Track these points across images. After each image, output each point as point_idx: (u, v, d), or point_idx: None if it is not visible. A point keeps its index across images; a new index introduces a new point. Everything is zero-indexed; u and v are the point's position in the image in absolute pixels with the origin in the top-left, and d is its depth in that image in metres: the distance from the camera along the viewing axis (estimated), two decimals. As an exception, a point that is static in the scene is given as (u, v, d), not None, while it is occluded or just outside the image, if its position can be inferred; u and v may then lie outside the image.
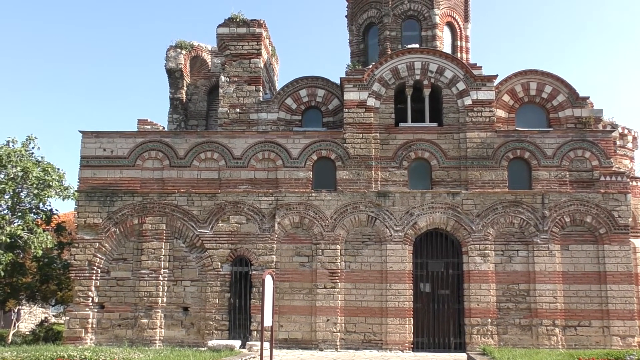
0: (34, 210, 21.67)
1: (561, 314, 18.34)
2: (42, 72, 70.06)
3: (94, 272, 18.94)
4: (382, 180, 19.39)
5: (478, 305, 18.45)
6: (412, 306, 18.62)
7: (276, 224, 19.06)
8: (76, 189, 20.07)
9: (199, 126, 23.90)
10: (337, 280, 18.67)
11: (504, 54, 62.32)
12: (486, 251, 18.74)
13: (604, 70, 62.86)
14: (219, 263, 18.98)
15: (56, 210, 23.08)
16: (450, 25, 24.01)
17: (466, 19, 24.54)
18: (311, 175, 19.49)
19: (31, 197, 21.26)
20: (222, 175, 19.52)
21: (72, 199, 21.74)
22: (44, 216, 22.09)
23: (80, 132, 19.83)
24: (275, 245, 19.00)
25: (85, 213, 19.27)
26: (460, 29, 24.22)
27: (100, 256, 19.04)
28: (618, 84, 61.52)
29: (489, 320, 18.37)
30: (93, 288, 18.88)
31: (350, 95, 19.87)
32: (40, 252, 20.76)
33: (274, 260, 18.91)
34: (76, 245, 19.19)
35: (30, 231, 20.46)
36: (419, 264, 19.14)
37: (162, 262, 19.00)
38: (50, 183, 21.04)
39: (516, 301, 18.57)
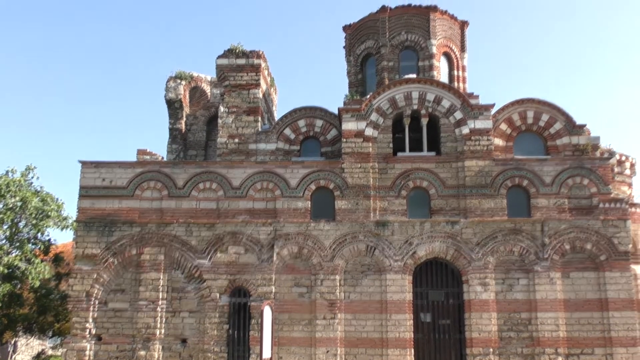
0: (32, 240, 21.62)
1: (564, 342, 18.15)
2: (42, 101, 70.61)
3: (92, 303, 18.78)
4: (381, 210, 19.37)
5: (479, 334, 18.26)
6: (412, 337, 18.42)
7: (275, 255, 18.98)
8: (75, 219, 20.04)
9: (198, 156, 23.99)
10: (337, 311, 18.51)
11: (500, 82, 62.88)
12: (486, 280, 18.63)
13: (601, 97, 63.41)
14: (218, 294, 18.84)
15: (54, 240, 23.05)
16: (447, 55, 24.31)
17: (462, 49, 24.86)
18: (310, 205, 19.47)
19: (29, 227, 21.25)
20: (221, 206, 19.49)
21: (70, 229, 21.71)
22: (42, 246, 22.04)
23: (80, 162, 19.88)
24: (274, 276, 18.88)
25: (84, 243, 19.19)
26: (457, 58, 24.50)
27: (98, 287, 18.90)
28: (615, 110, 61.97)
29: (491, 349, 18.16)
30: (90, 319, 18.70)
31: (348, 125, 19.97)
32: (38, 283, 20.66)
33: (273, 291, 18.77)
34: (74, 275, 19.07)
35: (28, 261, 20.39)
36: (419, 294, 19.00)
37: (160, 293, 18.84)
38: (49, 213, 21.05)
39: (518, 330, 18.40)
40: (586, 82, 64.82)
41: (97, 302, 18.89)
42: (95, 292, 18.86)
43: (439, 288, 19.12)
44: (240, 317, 18.92)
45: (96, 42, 71.52)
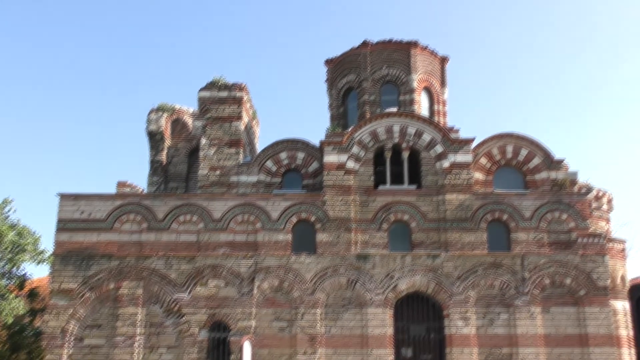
0: (6, 275, 21.12)
1: (545, 379, 18.06)
2: (20, 132, 69.91)
3: (67, 339, 18.33)
4: (362, 243, 19.33)
5: (461, 370, 18.12)
6: (394, 372, 18.23)
7: (255, 288, 18.78)
8: (51, 252, 19.67)
9: (179, 188, 23.82)
10: (318, 346, 18.28)
11: (480, 117, 63.76)
12: (467, 314, 18.58)
13: (579, 131, 64.51)
14: (197, 329, 18.53)
15: (30, 275, 22.55)
16: (427, 89, 24.61)
17: (443, 83, 25.20)
18: (291, 238, 19.39)
19: (4, 261, 20.78)
20: (201, 238, 19.33)
21: (46, 263, 21.27)
22: (16, 281, 21.54)
23: (58, 194, 19.64)
24: (254, 310, 18.65)
25: (60, 278, 18.83)
26: (437, 93, 24.81)
27: (73, 323, 18.49)
28: (592, 145, 63.02)
29: (472, 385, 18.01)
30: (65, 357, 18.21)
31: (330, 157, 20.04)
32: (11, 320, 20.10)
33: (253, 325, 18.52)
34: (49, 311, 18.64)
35: (2, 297, 19.89)
36: (400, 328, 18.88)
37: (138, 328, 18.48)
38: (25, 247, 20.63)
39: (499, 366, 18.29)
40: (564, 116, 66.06)
41: (72, 338, 18.45)
42: (71, 328, 18.44)
43: (420, 322, 19.03)
44: (220, 352, 18.59)
45: (76, 73, 71.29)
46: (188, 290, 18.85)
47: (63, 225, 19.36)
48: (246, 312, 18.60)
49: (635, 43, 62.14)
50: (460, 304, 18.63)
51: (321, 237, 19.33)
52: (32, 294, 22.40)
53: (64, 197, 19.64)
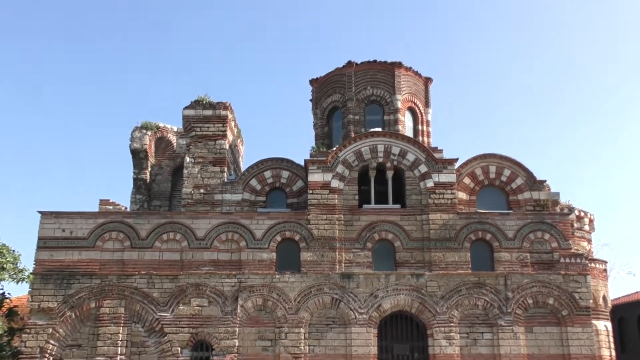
0: (-15, 294, 20.78)
1: (528, 399, 18.06)
2: (0, 149, 69.06)
3: (46, 359, 17.99)
4: (346, 262, 19.32)
5: (445, 390, 18.07)
6: (378, 392, 18.12)
7: (239, 307, 18.65)
8: (31, 271, 19.37)
9: (163, 207, 23.68)
10: (301, 366, 18.14)
11: (464, 137, 64.39)
12: (451, 334, 18.58)
13: (561, 152, 65.37)
14: (179, 348, 18.32)
15: (9, 294, 22.16)
16: (411, 110, 24.84)
17: (427, 104, 25.46)
18: (275, 257, 19.32)
19: (-18, 280, 20.45)
20: (185, 257, 19.19)
21: (26, 281, 20.94)
22: (-5, 300, 21.18)
23: (39, 212, 19.41)
24: (237, 329, 18.50)
25: (40, 297, 18.54)
26: (421, 113, 25.04)
27: (53, 342, 18.16)
28: (574, 166, 63.87)
29: (456, 406, 17.96)
30: (43, 377, 17.86)
31: (315, 176, 20.09)
32: (-11, 339, 19.74)
33: (236, 344, 18.35)
34: (28, 331, 18.32)
35: (-20, 316, 19.54)
36: (384, 348, 18.81)
37: (119, 348, 18.21)
38: (5, 265, 20.32)
39: (483, 386, 18.26)
40: (546, 137, 66.95)
41: (51, 358, 18.10)
42: (50, 348, 18.10)
43: (404, 342, 18.98)
44: (202, 373, 18.36)
45: (59, 90, 70.90)
46: (171, 309, 18.66)
47: (44, 244, 19.11)
48: (229, 331, 18.44)
49: (615, 63, 63.46)
50: (444, 323, 18.64)
51: (305, 255, 19.29)
52: (11, 313, 22.01)
53: (45, 214, 19.42)
